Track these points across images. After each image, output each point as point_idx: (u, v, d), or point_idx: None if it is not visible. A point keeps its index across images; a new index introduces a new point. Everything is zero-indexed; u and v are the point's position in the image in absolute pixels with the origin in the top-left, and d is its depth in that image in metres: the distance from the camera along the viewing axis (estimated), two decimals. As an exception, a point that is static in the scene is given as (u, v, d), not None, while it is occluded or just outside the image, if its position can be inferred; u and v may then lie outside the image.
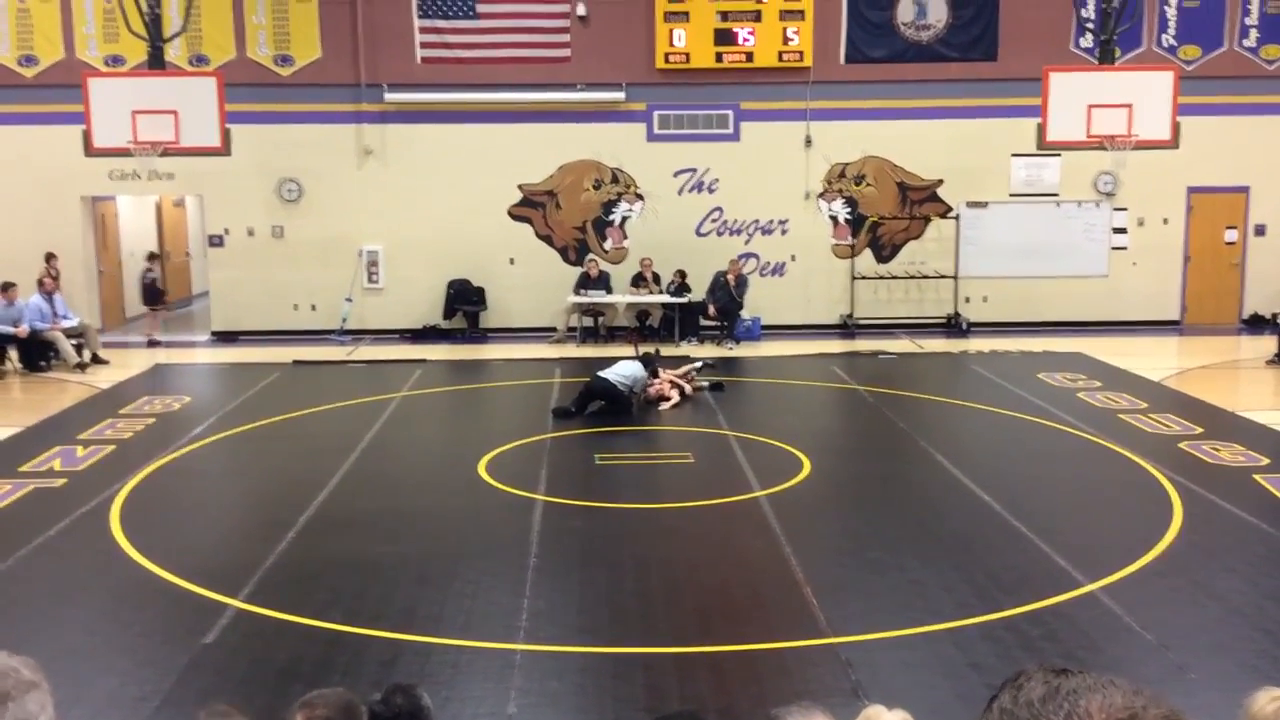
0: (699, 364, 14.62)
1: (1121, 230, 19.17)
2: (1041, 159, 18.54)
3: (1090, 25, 17.33)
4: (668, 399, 13.47)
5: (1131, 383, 14.44)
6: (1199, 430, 11.84)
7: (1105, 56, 15.45)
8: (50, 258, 17.29)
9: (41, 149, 17.98)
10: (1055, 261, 19.05)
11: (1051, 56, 17.11)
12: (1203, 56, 18.68)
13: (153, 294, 19.00)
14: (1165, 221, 19.15)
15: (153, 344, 18.31)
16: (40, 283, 16.54)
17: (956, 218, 18.99)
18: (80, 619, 7.17)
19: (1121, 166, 17.25)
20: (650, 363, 13.55)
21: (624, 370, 13.09)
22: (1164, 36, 18.67)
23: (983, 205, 19.03)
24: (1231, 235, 19.26)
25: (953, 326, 18.98)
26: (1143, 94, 14.80)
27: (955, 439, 11.98)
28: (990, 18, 18.50)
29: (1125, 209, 19.11)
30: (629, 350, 15.82)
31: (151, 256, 19.70)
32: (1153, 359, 16.20)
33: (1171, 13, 18.64)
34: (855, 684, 6.11)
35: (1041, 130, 15.13)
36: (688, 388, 13.75)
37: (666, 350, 15.86)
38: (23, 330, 15.79)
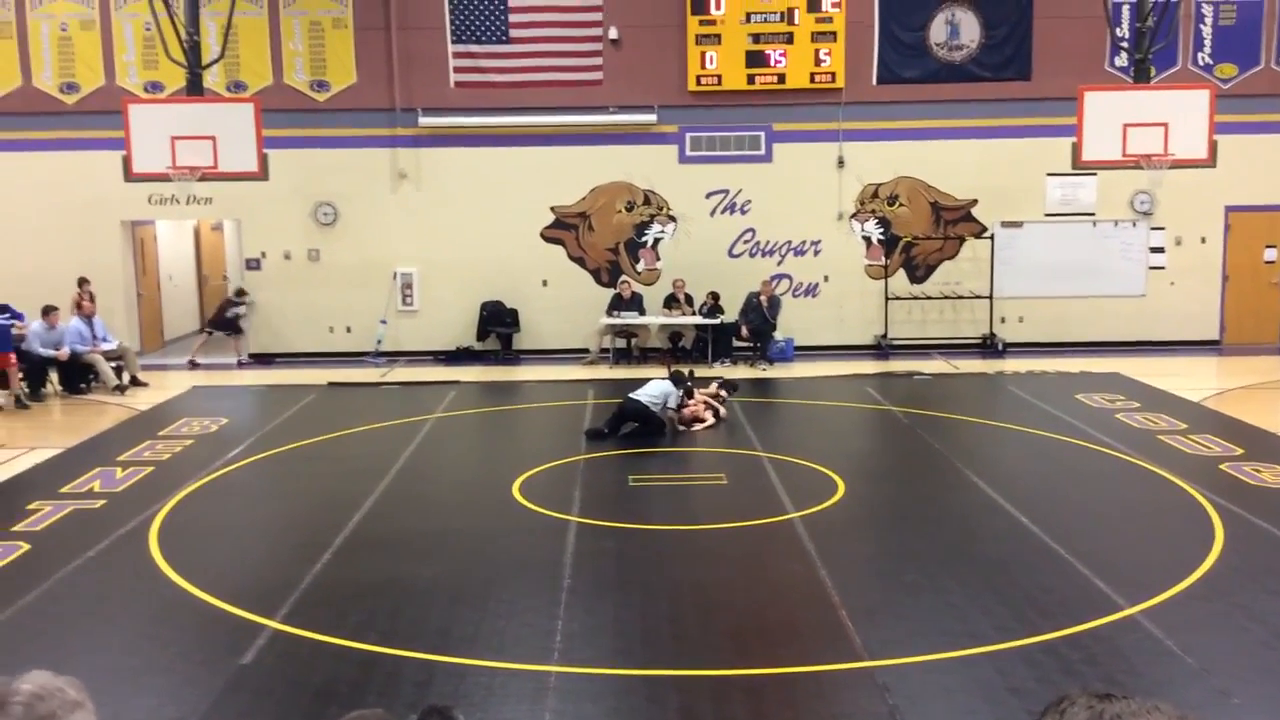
0: (720, 380, 14.62)
1: (1159, 250, 19.01)
2: (1077, 178, 18.43)
3: (1125, 44, 17.25)
4: (702, 420, 13.45)
5: (1170, 403, 14.28)
6: (1240, 451, 11.69)
7: (1140, 75, 15.37)
8: (83, 282, 17.46)
9: (82, 174, 18.28)
10: (1092, 281, 18.91)
11: (1086, 76, 17.06)
12: (1239, 75, 18.54)
13: (229, 325, 18.98)
14: (1203, 241, 18.98)
15: (194, 366, 18.52)
16: (78, 306, 16.76)
17: (991, 238, 18.90)
18: (119, 639, 7.23)
19: (1158, 186, 17.13)
20: (681, 380, 13.53)
21: (653, 390, 13.10)
22: (1200, 55, 18.54)
23: (1018, 225, 18.93)
24: (1271, 254, 19.05)
25: (988, 347, 18.86)
26: (1179, 113, 14.71)
27: (992, 461, 11.89)
28: (1024, 38, 18.45)
29: (1163, 228, 18.96)
30: (662, 372, 15.80)
31: (240, 293, 19.19)
32: (1192, 379, 16.02)
33: (1207, 31, 18.52)
34: (892, 708, 6.05)
35: (1076, 150, 15.06)
36: (722, 410, 13.71)
37: (700, 372, 15.80)
38: (63, 353, 15.99)
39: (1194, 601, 7.58)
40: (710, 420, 13.48)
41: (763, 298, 18.06)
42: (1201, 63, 18.56)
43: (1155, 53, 15.42)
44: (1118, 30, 17.77)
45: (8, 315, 15.57)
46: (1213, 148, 14.94)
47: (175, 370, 18.40)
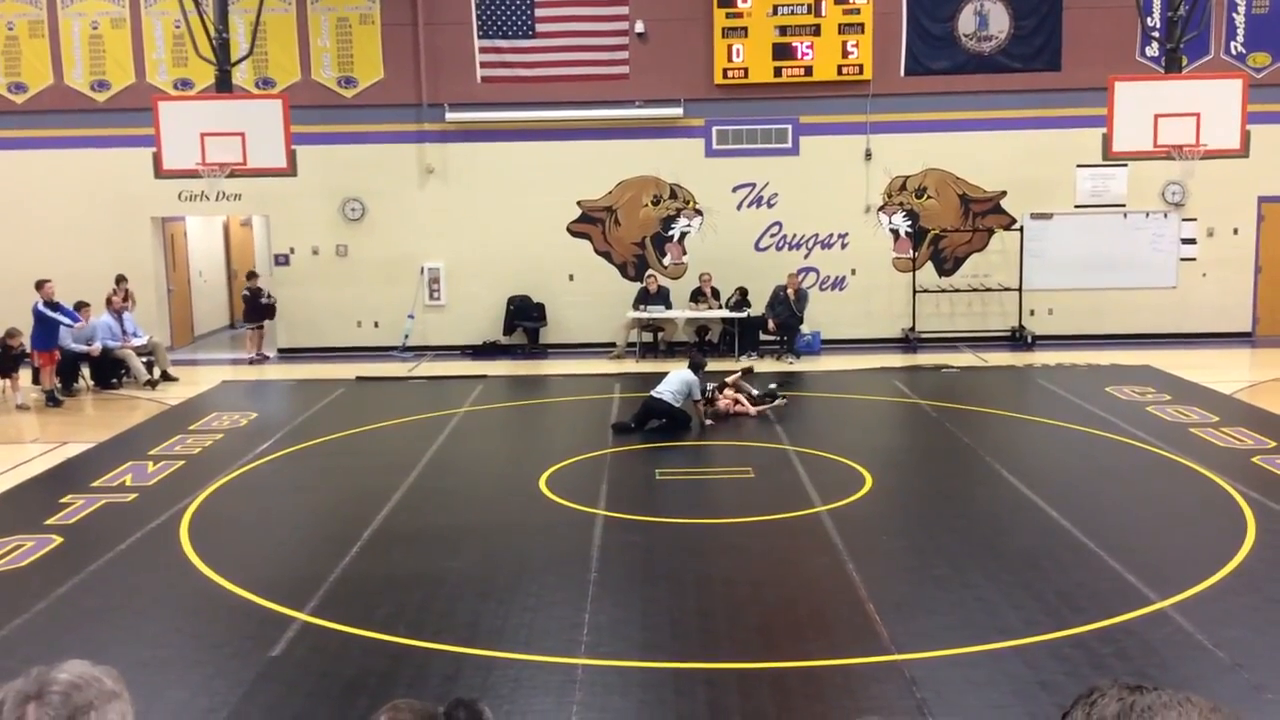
0: (749, 369, 14.74)
1: (1190, 241, 18.82)
2: (1108, 169, 18.26)
3: (1156, 34, 17.07)
4: (740, 407, 13.53)
5: (1202, 396, 14.14)
6: (1272, 444, 11.56)
7: (1171, 65, 15.21)
8: (120, 279, 17.58)
9: (113, 171, 18.43)
10: (1122, 273, 18.74)
11: (1116, 66, 16.89)
12: (1272, 63, 18.31)
13: (259, 312, 18.74)
14: (1235, 232, 18.77)
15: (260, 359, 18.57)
16: (109, 301, 16.90)
17: (1020, 230, 18.77)
18: (151, 631, 7.30)
19: (1190, 176, 16.95)
20: (699, 366, 13.49)
21: (672, 384, 13.04)
22: (1232, 44, 18.33)
23: (1047, 217, 18.79)
24: (1305, 245, 18.82)
25: (1017, 340, 18.73)
26: (1211, 102, 14.54)
27: (1021, 454, 11.82)
28: (1053, 28, 18.29)
29: (1194, 219, 18.76)
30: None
31: (250, 275, 19.12)
32: (1224, 371, 15.86)
33: (1240, 20, 18.30)
34: (920, 702, 6.03)
35: (1107, 141, 14.92)
36: (749, 406, 13.70)
37: (756, 366, 15.75)
38: (95, 348, 16.14)
39: (1226, 595, 7.51)
40: (746, 406, 13.56)
41: (790, 290, 18.00)
42: (1234, 52, 18.33)
43: (1187, 42, 15.24)
44: (1148, 20, 17.59)
45: (61, 312, 15.70)
46: (1245, 138, 14.76)
47: (205, 365, 18.54)
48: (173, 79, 18.57)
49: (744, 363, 16.32)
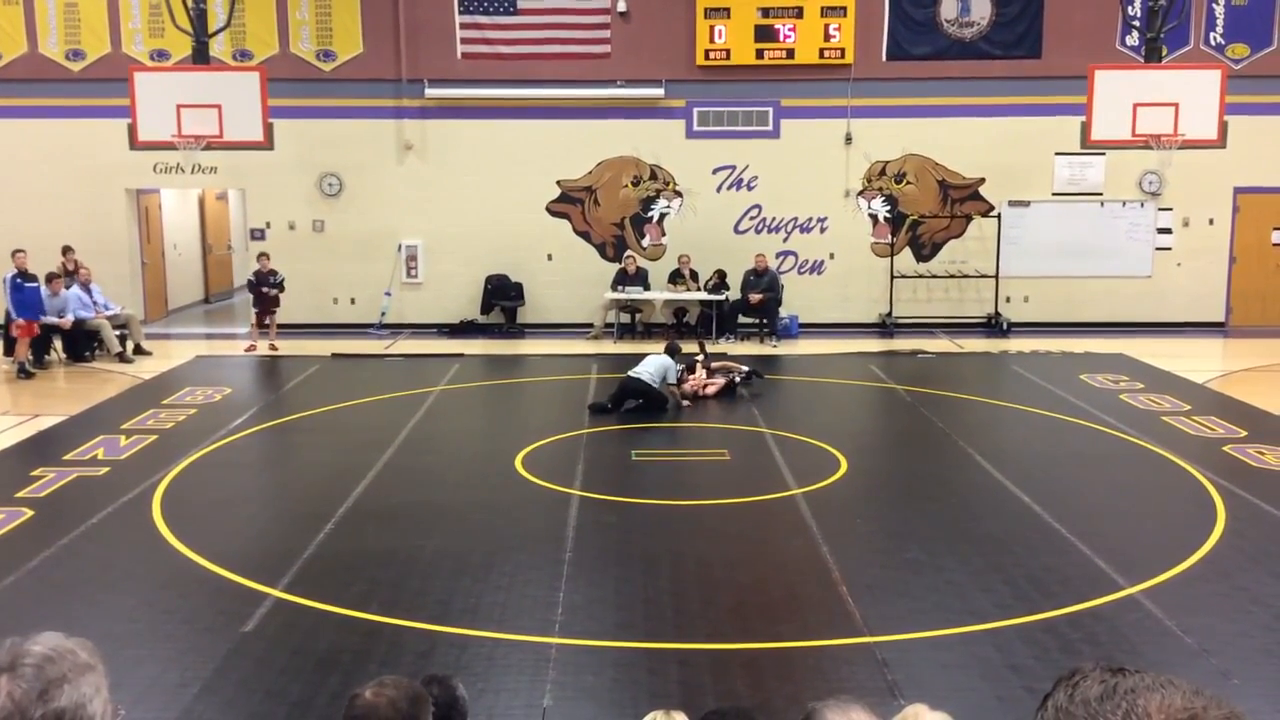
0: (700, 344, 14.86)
1: (1166, 230, 18.93)
2: (1086, 158, 18.34)
3: (1136, 23, 17.12)
4: (709, 390, 13.57)
5: (1175, 385, 14.26)
6: (1243, 433, 11.68)
7: (1151, 55, 15.27)
8: (67, 250, 17.04)
9: (87, 142, 18.22)
10: (1098, 262, 18.85)
11: (1097, 55, 16.94)
12: (1251, 55, 18.41)
13: (270, 297, 17.07)
14: (1211, 222, 18.90)
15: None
16: (73, 273, 16.70)
17: (998, 216, 18.83)
18: (122, 606, 7.26)
19: (1167, 166, 17.04)
20: (675, 351, 13.55)
21: (650, 366, 13.08)
22: (1212, 35, 18.41)
23: (1025, 204, 18.86)
24: (1279, 236, 18.97)
25: (993, 326, 18.82)
26: (1189, 93, 14.61)
27: (995, 440, 11.88)
28: (1035, 15, 18.32)
29: (1170, 209, 18.88)
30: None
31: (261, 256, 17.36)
32: (1197, 361, 15.99)
33: (1219, 11, 18.38)
34: (891, 684, 6.07)
35: (1086, 129, 14.98)
36: (716, 385, 13.77)
37: (712, 348, 15.74)
38: (66, 321, 15.98)
39: (1195, 582, 7.59)
40: (720, 383, 13.62)
41: (754, 274, 17.92)
42: (1213, 42, 18.42)
43: (1167, 32, 15.30)
44: (1129, 9, 17.62)
45: (11, 288, 15.52)
46: (1223, 128, 14.85)
47: (179, 339, 18.40)
48: (149, 49, 18.35)
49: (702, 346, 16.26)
